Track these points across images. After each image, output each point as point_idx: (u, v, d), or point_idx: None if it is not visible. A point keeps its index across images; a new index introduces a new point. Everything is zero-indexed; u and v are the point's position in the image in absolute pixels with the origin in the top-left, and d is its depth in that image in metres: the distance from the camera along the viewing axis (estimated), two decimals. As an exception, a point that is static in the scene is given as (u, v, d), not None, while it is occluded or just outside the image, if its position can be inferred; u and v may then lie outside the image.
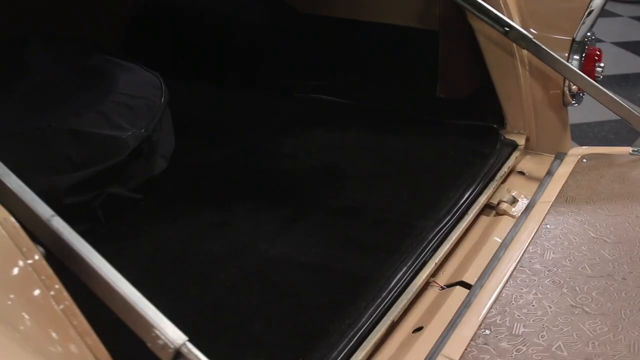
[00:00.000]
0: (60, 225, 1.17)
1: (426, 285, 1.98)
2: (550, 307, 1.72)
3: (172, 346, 1.09)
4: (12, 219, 1.06)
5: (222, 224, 2.12)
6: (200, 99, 3.01)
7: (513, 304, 1.76)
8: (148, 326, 1.11)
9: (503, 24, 2.49)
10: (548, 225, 2.10)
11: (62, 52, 2.58)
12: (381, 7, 3.03)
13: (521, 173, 2.59)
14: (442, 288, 2.01)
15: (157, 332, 1.10)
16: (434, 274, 2.01)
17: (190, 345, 1.11)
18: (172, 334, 1.10)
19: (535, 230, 2.08)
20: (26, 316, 0.97)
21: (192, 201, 2.25)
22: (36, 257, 1.05)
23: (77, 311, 1.06)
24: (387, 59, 3.08)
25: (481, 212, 2.33)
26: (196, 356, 1.09)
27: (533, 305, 1.73)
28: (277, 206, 2.22)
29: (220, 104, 2.99)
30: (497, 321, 1.69)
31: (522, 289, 1.81)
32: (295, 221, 2.13)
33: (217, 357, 1.53)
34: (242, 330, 1.70)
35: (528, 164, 2.63)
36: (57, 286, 1.04)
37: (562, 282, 1.81)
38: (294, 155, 2.55)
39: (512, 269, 1.90)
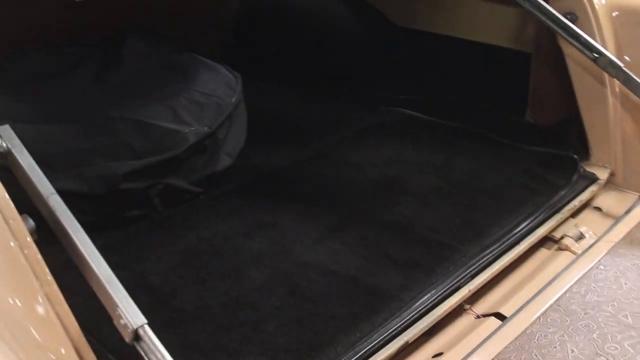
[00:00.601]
0: (57, 202, 1.28)
1: (460, 312, 1.93)
2: (573, 352, 1.62)
3: (130, 327, 1.16)
4: (4, 194, 1.17)
5: (269, 225, 2.18)
6: (284, 103, 3.10)
7: (534, 342, 1.67)
8: (114, 305, 1.19)
9: (593, 49, 2.36)
10: (602, 266, 1.97)
11: (156, 50, 2.76)
12: (476, 25, 2.96)
13: (598, 209, 2.43)
14: (478, 317, 1.95)
15: (120, 311, 1.18)
16: (471, 301, 1.95)
17: (147, 329, 1.17)
18: (133, 315, 1.17)
19: (586, 270, 1.96)
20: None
21: (247, 199, 2.33)
22: (19, 224, 1.15)
23: (49, 278, 1.15)
24: (477, 77, 3.00)
25: (541, 243, 2.22)
26: (151, 340, 1.15)
27: (554, 347, 1.64)
28: (326, 214, 2.24)
29: (302, 109, 3.06)
30: (512, 358, 1.62)
31: (549, 329, 1.71)
32: (338, 230, 2.15)
33: (223, 349, 1.61)
34: (255, 328, 1.74)
35: (608, 200, 2.47)
36: (33, 248, 1.13)
37: (595, 327, 1.69)
38: (359, 166, 2.56)
39: (547, 306, 1.80)
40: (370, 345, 1.66)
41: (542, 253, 2.21)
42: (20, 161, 1.33)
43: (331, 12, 3.27)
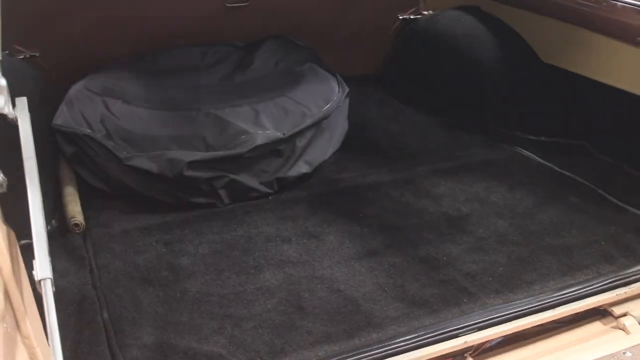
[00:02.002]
0: (31, 166, 1.52)
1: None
2: None
3: (36, 277, 1.35)
4: None
5: (313, 236, 2.25)
6: (406, 123, 3.11)
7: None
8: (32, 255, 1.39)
9: None
10: (628, 353, 1.72)
11: (284, 57, 2.97)
12: (621, 70, 2.70)
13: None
14: (475, 373, 1.84)
15: (34, 261, 1.37)
16: (472, 352, 1.84)
17: (49, 284, 1.35)
18: (41, 267, 1.36)
19: (607, 353, 1.73)
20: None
21: (310, 209, 2.41)
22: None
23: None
24: (613, 125, 2.74)
25: (596, 316, 1.99)
26: (46, 293, 1.33)
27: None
28: (374, 237, 2.25)
29: (421, 132, 3.04)
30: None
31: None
32: (374, 254, 2.15)
33: (195, 333, 1.75)
34: (235, 323, 1.84)
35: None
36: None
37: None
38: (438, 198, 2.50)
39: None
40: None
41: (593, 327, 1.98)
42: (21, 128, 1.59)
43: (478, 39, 3.18)
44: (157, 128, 2.38)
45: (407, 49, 3.55)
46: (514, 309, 1.87)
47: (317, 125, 2.54)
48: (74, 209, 2.27)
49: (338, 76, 2.84)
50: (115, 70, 2.80)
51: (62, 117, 2.42)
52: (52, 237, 2.12)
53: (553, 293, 1.94)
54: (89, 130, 2.34)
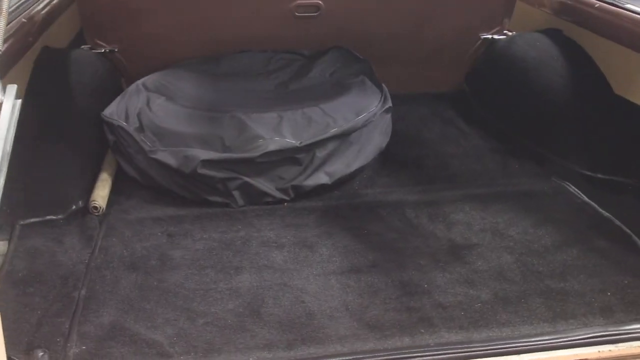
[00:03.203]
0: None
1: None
2: None
3: None
4: None
5: (307, 246, 2.27)
6: (461, 145, 3.01)
7: None
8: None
9: None
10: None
11: (340, 68, 3.00)
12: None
13: None
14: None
15: None
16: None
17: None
18: None
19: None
20: None
21: (318, 220, 2.42)
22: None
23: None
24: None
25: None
26: None
27: None
28: (366, 255, 2.22)
29: (471, 156, 2.93)
30: None
31: None
32: (358, 272, 2.13)
33: (149, 320, 1.86)
34: (189, 317, 1.92)
35: None
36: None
37: None
38: (452, 225, 2.40)
39: None
40: None
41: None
42: (3, 112, 1.78)
43: (549, 64, 3.00)
44: (184, 126, 2.52)
45: (483, 70, 3.44)
46: (468, 349, 1.77)
47: (342, 137, 2.54)
48: (99, 194, 2.47)
49: (385, 91, 2.82)
50: (180, 70, 3.00)
51: (111, 109, 2.64)
52: (74, 216, 2.35)
53: (520, 339, 1.81)
54: (124, 123, 2.53)
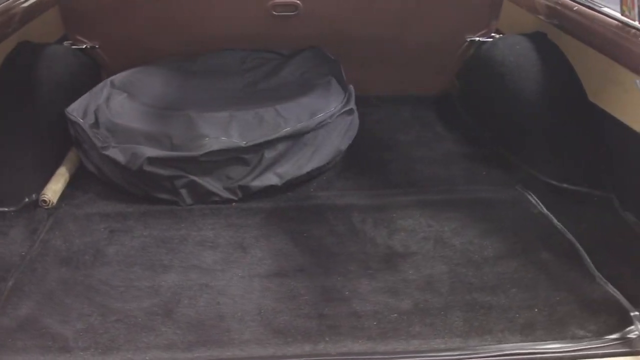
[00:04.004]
0: None
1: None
2: None
3: None
4: None
5: (241, 248, 2.26)
6: (429, 149, 2.96)
7: None
8: None
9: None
10: None
11: (311, 69, 2.98)
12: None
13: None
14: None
15: None
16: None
17: None
18: None
19: None
20: None
21: (259, 220, 2.41)
22: None
23: None
24: None
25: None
26: None
27: None
28: (297, 259, 2.19)
29: (438, 162, 2.85)
30: None
31: None
32: (283, 275, 2.11)
33: (64, 313, 1.89)
34: (102, 316, 1.93)
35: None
36: None
37: None
38: (397, 231, 2.35)
39: None
40: None
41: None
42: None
43: (525, 69, 2.90)
44: (136, 123, 2.54)
45: (467, 74, 3.35)
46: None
47: (294, 138, 2.52)
48: (51, 187, 2.52)
49: (350, 93, 2.77)
50: (153, 68, 3.03)
51: (74, 105, 2.68)
52: (25, 209, 2.40)
53: (427, 352, 1.76)
54: (80, 119, 2.57)
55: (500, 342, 1.80)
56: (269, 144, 2.47)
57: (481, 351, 1.76)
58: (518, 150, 2.82)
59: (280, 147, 2.50)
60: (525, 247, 2.24)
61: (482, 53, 3.24)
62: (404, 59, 3.39)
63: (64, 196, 2.58)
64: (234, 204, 2.52)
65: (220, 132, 2.46)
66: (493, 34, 3.33)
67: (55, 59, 2.89)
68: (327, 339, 1.83)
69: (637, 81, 2.18)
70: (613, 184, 2.52)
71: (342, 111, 2.67)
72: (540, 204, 2.50)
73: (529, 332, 1.85)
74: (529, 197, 2.55)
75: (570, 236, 2.28)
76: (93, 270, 2.14)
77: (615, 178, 2.51)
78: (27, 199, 2.49)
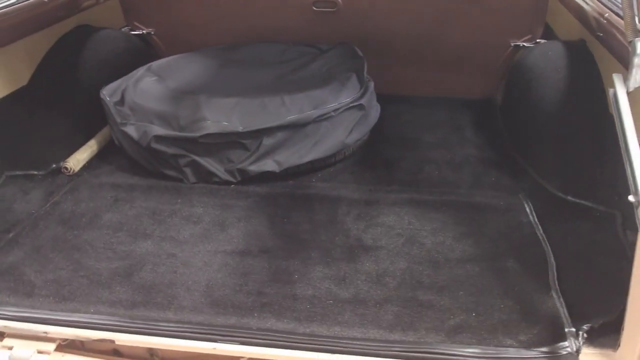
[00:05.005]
0: None
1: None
2: None
3: None
4: None
5: (221, 225, 2.38)
6: (449, 152, 2.92)
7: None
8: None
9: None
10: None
11: (339, 63, 3.05)
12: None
13: None
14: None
15: None
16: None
17: None
18: None
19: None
20: None
21: (250, 202, 2.52)
22: None
23: None
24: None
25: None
26: None
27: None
28: (266, 241, 2.28)
29: (452, 165, 2.81)
30: None
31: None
32: (244, 255, 2.21)
33: (42, 264, 2.13)
34: (73, 272, 2.14)
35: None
36: None
37: None
38: (374, 226, 2.37)
39: None
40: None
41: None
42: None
43: (549, 77, 2.79)
44: (154, 103, 2.73)
45: (507, 79, 3.27)
46: (276, 338, 1.80)
47: (294, 128, 2.61)
48: (75, 156, 2.79)
49: (365, 89, 2.82)
50: (196, 55, 3.25)
51: (112, 85, 2.93)
52: (51, 173, 2.69)
53: (342, 339, 1.80)
54: (107, 98, 2.81)
55: (419, 340, 1.80)
56: (268, 131, 2.57)
57: (395, 346, 1.77)
58: (530, 157, 2.73)
59: (280, 135, 2.60)
60: (496, 254, 2.20)
61: (518, 58, 3.16)
62: (443, 60, 3.37)
63: (88, 166, 2.84)
64: (232, 185, 2.65)
65: (223, 116, 2.60)
66: (539, 40, 3.23)
67: (103, 42, 3.16)
68: (256, 314, 1.91)
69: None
70: (619, 201, 2.38)
71: (349, 106, 2.71)
72: (534, 213, 2.42)
73: (454, 334, 1.83)
74: (526, 205, 2.47)
75: (547, 247, 2.20)
76: (83, 232, 2.35)
77: (623, 195, 2.37)
78: (54, 165, 2.76)
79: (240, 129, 2.55)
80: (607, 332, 1.76)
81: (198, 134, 2.55)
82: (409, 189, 2.63)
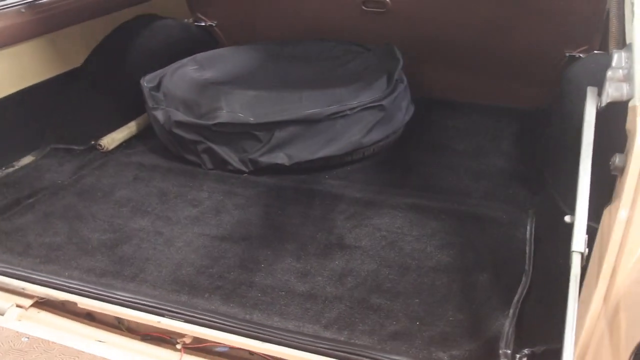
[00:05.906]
0: None
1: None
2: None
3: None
4: None
5: (217, 212, 2.47)
6: (477, 162, 2.85)
7: None
8: None
9: None
10: None
11: (378, 64, 3.05)
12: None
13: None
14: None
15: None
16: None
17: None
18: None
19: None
20: None
21: (255, 193, 2.58)
22: None
23: None
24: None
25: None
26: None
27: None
28: (252, 230, 2.34)
29: (474, 173, 2.73)
30: None
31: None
32: (223, 240, 2.29)
33: (48, 229, 2.34)
34: (72, 237, 2.32)
35: None
36: None
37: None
38: (363, 226, 2.35)
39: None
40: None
41: None
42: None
43: (581, 91, 2.64)
44: (183, 91, 2.86)
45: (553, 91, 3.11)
46: (217, 320, 1.86)
47: (307, 123, 2.64)
48: (112, 135, 3.00)
49: (394, 91, 2.80)
50: (243, 48, 3.37)
51: (156, 72, 3.12)
52: (89, 149, 2.92)
53: (274, 330, 1.83)
54: (145, 83, 2.99)
55: (348, 340, 1.79)
56: (280, 124, 2.62)
57: (323, 343, 1.77)
58: (552, 173, 2.59)
59: (293, 129, 2.64)
60: (472, 266, 2.12)
61: (567, 69, 2.98)
62: (494, 68, 3.27)
63: (126, 145, 3.03)
64: (244, 174, 2.73)
65: (238, 107, 2.68)
66: (597, 51, 3.04)
67: (158, 30, 3.36)
68: (206, 295, 1.98)
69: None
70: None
71: (367, 106, 2.70)
72: (532, 229, 2.30)
73: (388, 340, 1.80)
74: (529, 221, 2.36)
75: (528, 267, 2.09)
76: (93, 204, 2.53)
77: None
78: (92, 142, 2.98)
79: (251, 120, 2.62)
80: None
81: (211, 122, 2.65)
82: (416, 194, 2.58)
